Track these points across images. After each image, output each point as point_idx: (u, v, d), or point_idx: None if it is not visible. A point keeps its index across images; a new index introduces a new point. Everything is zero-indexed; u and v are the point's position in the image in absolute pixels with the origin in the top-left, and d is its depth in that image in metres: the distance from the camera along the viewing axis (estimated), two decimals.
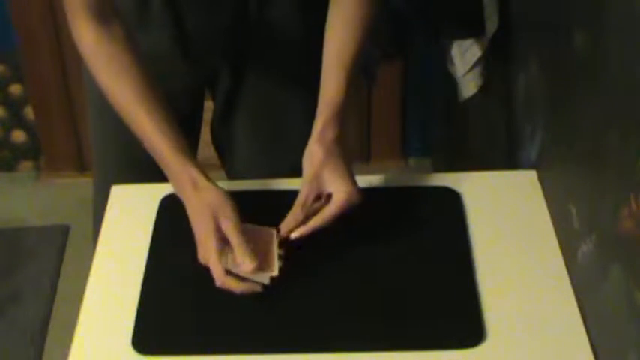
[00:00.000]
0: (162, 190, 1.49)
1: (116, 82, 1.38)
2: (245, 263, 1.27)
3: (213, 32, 1.57)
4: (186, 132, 1.72)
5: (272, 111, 1.69)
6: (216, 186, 1.35)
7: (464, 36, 1.84)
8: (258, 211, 1.44)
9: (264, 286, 1.29)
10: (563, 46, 1.35)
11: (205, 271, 1.30)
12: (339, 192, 1.33)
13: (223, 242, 1.30)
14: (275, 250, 1.32)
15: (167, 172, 1.38)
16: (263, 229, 1.35)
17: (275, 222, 1.35)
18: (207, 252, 1.29)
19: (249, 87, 1.66)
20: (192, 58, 1.61)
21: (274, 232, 1.34)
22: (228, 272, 1.28)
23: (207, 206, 1.31)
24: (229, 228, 1.30)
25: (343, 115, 1.39)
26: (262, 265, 1.29)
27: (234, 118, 1.70)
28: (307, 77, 1.66)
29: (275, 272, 1.29)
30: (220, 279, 1.28)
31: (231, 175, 1.78)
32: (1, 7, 2.66)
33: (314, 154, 1.36)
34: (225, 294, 1.31)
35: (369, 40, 1.46)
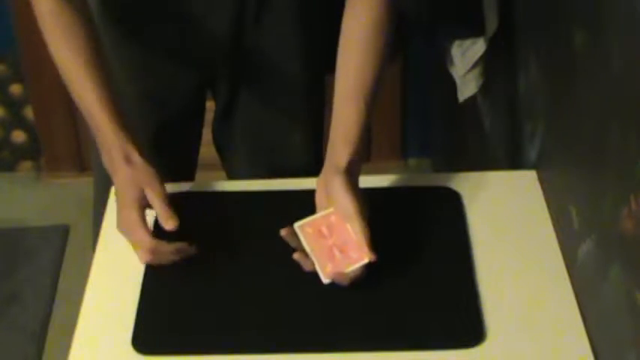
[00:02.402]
0: None
1: (65, 49, 1.40)
2: (169, 224, 1.31)
3: (213, 34, 1.57)
4: (187, 131, 1.73)
5: (272, 112, 1.69)
6: (148, 164, 1.36)
7: (464, 36, 1.84)
8: (258, 212, 1.44)
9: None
10: (563, 46, 1.35)
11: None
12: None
13: (145, 210, 1.34)
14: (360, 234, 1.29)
15: (101, 143, 1.39)
16: (324, 217, 1.33)
17: (275, 222, 1.35)
18: (129, 220, 1.33)
19: (249, 87, 1.66)
20: (192, 59, 1.61)
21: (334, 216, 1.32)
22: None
23: (135, 178, 1.34)
24: (153, 195, 1.33)
25: (363, 147, 1.38)
26: (353, 254, 1.29)
27: (235, 118, 1.70)
28: (307, 78, 1.66)
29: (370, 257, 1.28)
30: (146, 243, 1.31)
31: (232, 175, 1.78)
32: (1, 7, 2.66)
33: (338, 188, 1.32)
34: (225, 293, 1.32)
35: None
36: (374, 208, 1.45)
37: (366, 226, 1.30)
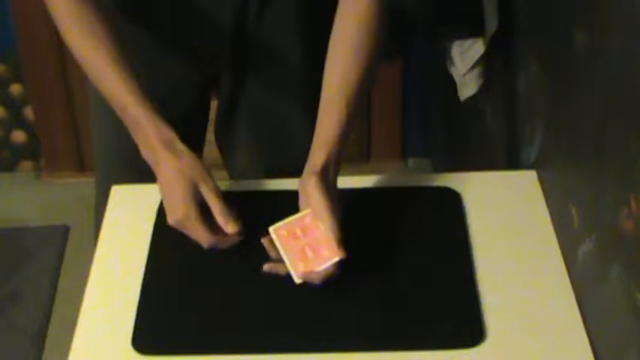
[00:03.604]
0: None
1: (88, 43, 1.38)
2: (228, 227, 1.32)
3: (215, 34, 1.57)
4: (192, 132, 1.72)
5: (273, 111, 1.69)
6: (192, 152, 1.35)
7: (464, 36, 1.84)
8: (259, 211, 1.44)
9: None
10: (563, 46, 1.35)
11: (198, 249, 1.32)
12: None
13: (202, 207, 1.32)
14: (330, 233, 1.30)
15: (137, 133, 1.37)
16: (299, 218, 1.34)
17: (276, 222, 1.35)
18: (186, 215, 1.31)
19: (251, 87, 1.66)
20: (195, 54, 1.61)
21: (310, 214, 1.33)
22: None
23: (185, 170, 1.33)
24: (211, 192, 1.33)
25: (344, 149, 1.37)
26: (325, 253, 1.29)
27: (237, 117, 1.70)
28: (308, 77, 1.66)
29: (341, 255, 1.28)
30: (206, 239, 1.32)
31: (233, 175, 1.78)
32: (1, 7, 2.66)
33: (312, 192, 1.32)
34: (225, 294, 1.32)
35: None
36: (374, 208, 1.45)
37: (336, 223, 1.29)
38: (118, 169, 1.70)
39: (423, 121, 2.90)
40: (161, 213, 1.46)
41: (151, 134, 1.35)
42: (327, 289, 1.31)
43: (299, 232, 1.32)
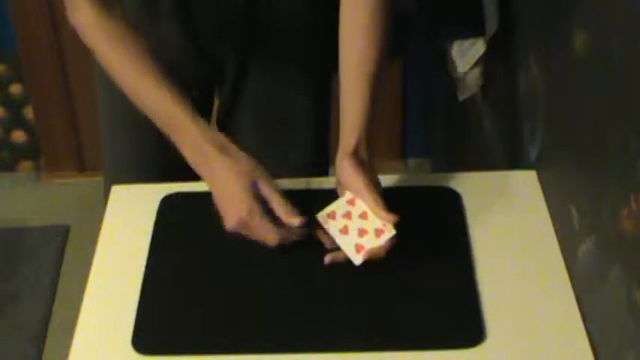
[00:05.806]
0: (163, 190, 1.49)
1: (123, 62, 1.38)
2: (293, 220, 1.31)
3: (222, 25, 1.57)
4: None
5: (277, 107, 1.68)
6: (246, 153, 1.35)
7: (464, 36, 1.84)
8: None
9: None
10: (563, 46, 1.35)
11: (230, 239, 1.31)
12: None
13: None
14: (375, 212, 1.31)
15: (184, 142, 1.35)
16: (342, 202, 1.34)
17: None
18: (250, 212, 1.30)
19: (254, 82, 1.66)
20: (199, 52, 1.61)
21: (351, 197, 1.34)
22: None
23: (243, 170, 1.32)
24: (272, 187, 1.32)
25: (372, 128, 1.37)
26: (378, 227, 1.30)
27: (239, 113, 1.70)
28: (313, 74, 1.66)
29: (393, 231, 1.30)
30: (273, 235, 1.31)
31: None
32: (1, 7, 2.66)
33: (351, 172, 1.33)
34: (225, 294, 1.32)
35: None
36: None
37: (378, 195, 1.31)
38: (130, 167, 1.69)
39: (423, 121, 2.90)
40: (161, 213, 1.46)
41: (202, 141, 1.34)
42: (327, 289, 1.31)
43: (346, 214, 1.32)
